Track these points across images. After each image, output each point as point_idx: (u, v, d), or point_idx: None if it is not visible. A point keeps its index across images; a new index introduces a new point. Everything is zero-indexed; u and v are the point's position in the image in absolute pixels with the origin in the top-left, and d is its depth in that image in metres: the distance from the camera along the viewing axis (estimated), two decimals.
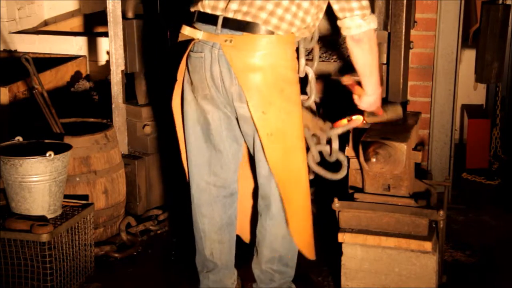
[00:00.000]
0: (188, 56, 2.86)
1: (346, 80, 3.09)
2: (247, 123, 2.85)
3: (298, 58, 2.93)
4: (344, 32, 2.84)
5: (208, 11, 2.77)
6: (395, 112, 3.17)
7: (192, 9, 2.86)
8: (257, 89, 2.73)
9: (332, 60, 4.19)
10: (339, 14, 2.82)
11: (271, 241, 3.00)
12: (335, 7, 2.81)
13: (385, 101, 3.65)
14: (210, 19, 2.77)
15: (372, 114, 3.12)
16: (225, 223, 3.10)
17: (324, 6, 2.82)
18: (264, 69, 2.72)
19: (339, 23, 2.84)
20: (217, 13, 2.75)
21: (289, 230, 2.95)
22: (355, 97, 3.05)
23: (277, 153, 2.83)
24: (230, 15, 2.72)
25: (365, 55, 2.88)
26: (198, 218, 3.10)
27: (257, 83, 2.73)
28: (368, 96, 3.00)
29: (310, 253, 3.04)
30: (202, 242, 3.12)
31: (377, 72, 2.95)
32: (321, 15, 2.85)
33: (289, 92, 2.79)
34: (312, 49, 3.90)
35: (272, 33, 2.71)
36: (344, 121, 3.12)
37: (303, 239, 2.99)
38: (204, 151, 2.99)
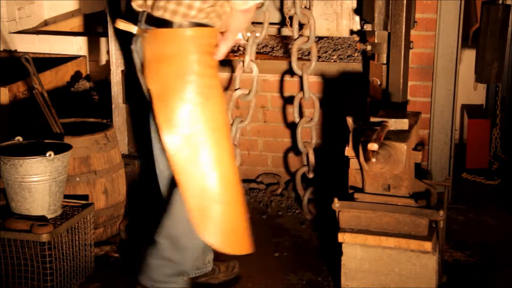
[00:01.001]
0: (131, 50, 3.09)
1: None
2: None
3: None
4: (236, 6, 2.94)
5: (137, 8, 2.99)
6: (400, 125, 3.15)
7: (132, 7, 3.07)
8: (159, 78, 2.90)
9: (332, 60, 4.20)
10: None
11: (176, 219, 3.09)
12: None
13: (386, 102, 3.66)
14: (140, 15, 2.98)
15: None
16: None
17: None
18: (167, 60, 2.88)
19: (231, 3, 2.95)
20: (142, 9, 2.97)
21: (193, 223, 3.00)
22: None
23: (177, 141, 2.90)
24: (149, 10, 2.94)
25: (242, 24, 3.04)
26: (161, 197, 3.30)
27: (160, 73, 2.90)
28: (227, 43, 3.04)
29: (225, 247, 3.04)
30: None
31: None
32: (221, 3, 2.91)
33: (199, 84, 2.88)
34: (310, 49, 3.94)
35: (177, 26, 2.86)
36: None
37: (212, 233, 2.99)
38: (158, 139, 3.13)
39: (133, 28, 2.96)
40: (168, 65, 2.88)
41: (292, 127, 4.33)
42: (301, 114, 4.08)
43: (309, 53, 4.05)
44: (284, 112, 4.31)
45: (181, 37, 2.87)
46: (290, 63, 3.98)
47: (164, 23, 2.88)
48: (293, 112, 4.07)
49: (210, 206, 2.96)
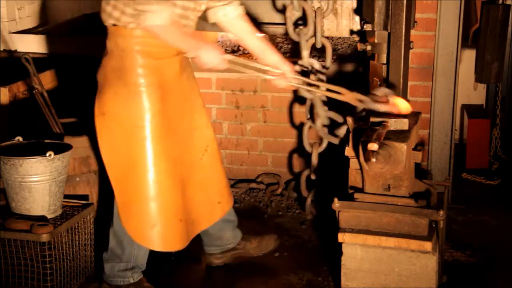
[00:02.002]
0: None
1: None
2: None
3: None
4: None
5: None
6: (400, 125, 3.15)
7: None
8: (102, 69, 3.06)
9: (332, 60, 4.19)
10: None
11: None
12: None
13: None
14: None
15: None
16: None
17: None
18: (105, 54, 3.06)
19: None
20: None
21: (118, 210, 3.10)
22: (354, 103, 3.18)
23: (108, 133, 3.04)
24: None
25: (168, 39, 3.03)
26: None
27: (102, 65, 3.07)
28: (200, 58, 3.03)
29: (142, 239, 3.10)
30: None
31: (186, 44, 3.05)
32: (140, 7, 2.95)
33: (128, 80, 2.99)
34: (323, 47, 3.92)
35: (108, 25, 3.02)
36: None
37: (132, 224, 3.08)
38: None
39: None
40: (108, 59, 3.04)
41: (292, 127, 4.33)
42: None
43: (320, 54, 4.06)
44: (290, 112, 4.31)
45: (115, 34, 3.01)
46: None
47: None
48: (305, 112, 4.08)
49: (134, 202, 3.05)
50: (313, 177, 4.04)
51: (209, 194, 3.29)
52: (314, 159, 4.03)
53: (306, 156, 4.27)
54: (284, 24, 4.01)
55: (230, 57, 3.08)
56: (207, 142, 3.27)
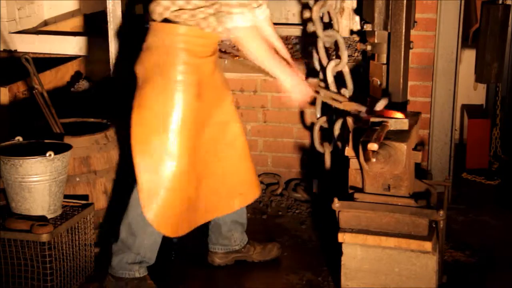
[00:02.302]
0: None
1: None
2: None
3: None
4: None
5: None
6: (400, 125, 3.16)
7: None
8: (143, 64, 3.10)
9: (352, 61, 4.18)
10: None
11: (133, 205, 3.22)
12: None
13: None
14: None
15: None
16: None
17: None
18: (146, 50, 3.10)
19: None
20: None
21: (139, 195, 3.12)
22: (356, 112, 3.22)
23: (142, 125, 3.08)
24: None
25: (250, 54, 3.11)
26: None
27: (144, 60, 3.10)
28: (283, 82, 3.12)
29: (159, 225, 3.14)
30: None
31: (280, 63, 3.13)
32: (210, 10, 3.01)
33: (170, 75, 3.03)
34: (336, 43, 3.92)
35: (156, 21, 3.06)
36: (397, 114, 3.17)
37: (157, 213, 3.11)
38: None
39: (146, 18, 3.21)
40: (150, 54, 3.07)
41: (292, 127, 4.33)
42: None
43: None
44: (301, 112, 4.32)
45: (163, 31, 3.04)
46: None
47: (149, 18, 3.11)
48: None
49: (158, 190, 3.09)
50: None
51: (229, 185, 3.35)
52: (328, 160, 4.04)
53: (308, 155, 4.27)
54: (284, 24, 4.03)
55: (321, 93, 3.08)
56: (235, 136, 3.33)
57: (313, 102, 4.08)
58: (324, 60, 3.93)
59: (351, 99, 3.49)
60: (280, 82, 3.12)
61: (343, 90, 3.88)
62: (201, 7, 2.99)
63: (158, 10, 3.03)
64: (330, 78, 3.87)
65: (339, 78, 3.95)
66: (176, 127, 3.06)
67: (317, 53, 3.97)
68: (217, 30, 3.04)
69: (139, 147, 3.10)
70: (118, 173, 3.74)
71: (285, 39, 4.47)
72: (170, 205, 3.12)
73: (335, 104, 3.35)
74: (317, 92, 3.50)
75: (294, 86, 3.13)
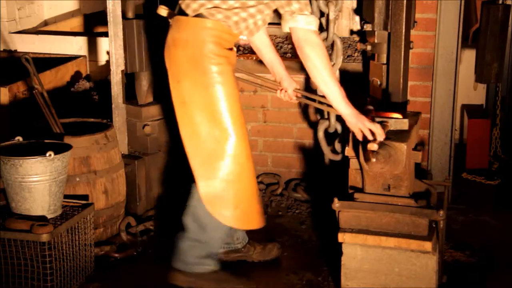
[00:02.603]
0: None
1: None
2: None
3: None
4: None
5: None
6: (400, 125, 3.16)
7: None
8: (174, 59, 3.09)
9: (352, 61, 4.18)
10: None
11: (197, 198, 3.19)
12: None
13: (386, 102, 3.66)
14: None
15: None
16: None
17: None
18: (181, 44, 3.06)
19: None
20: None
21: (200, 195, 3.11)
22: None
23: (189, 122, 3.08)
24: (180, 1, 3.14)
25: (308, 61, 3.07)
26: None
27: (175, 55, 3.08)
28: (341, 111, 3.05)
29: (225, 219, 3.13)
30: None
31: (338, 88, 3.04)
32: (245, 14, 3.04)
33: (209, 69, 3.03)
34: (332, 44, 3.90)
35: (190, 16, 3.04)
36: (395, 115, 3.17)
37: (216, 206, 3.11)
38: None
39: (168, 15, 3.17)
40: (182, 49, 3.05)
41: (292, 127, 4.33)
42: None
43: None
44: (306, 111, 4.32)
45: (194, 25, 3.03)
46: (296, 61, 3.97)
47: (181, 12, 3.09)
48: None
49: (216, 184, 3.09)
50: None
51: None
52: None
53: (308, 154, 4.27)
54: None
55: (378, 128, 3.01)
56: None
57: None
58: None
59: None
60: (332, 103, 3.05)
61: None
62: (236, 8, 3.00)
63: (193, 6, 3.02)
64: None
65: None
66: (225, 118, 3.06)
67: None
68: (243, 33, 3.08)
69: (191, 144, 3.09)
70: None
71: (285, 39, 4.47)
72: (235, 197, 3.12)
73: (327, 109, 3.33)
74: (312, 100, 3.47)
75: (348, 115, 3.03)
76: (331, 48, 3.91)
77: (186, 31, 3.05)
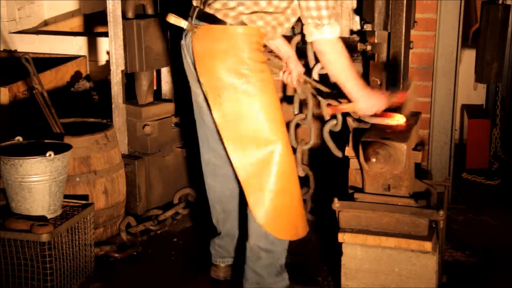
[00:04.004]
0: (180, 45, 3.12)
1: (328, 111, 3.25)
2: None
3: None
4: (306, 37, 2.95)
5: (194, 3, 3.04)
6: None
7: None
8: (212, 72, 2.93)
9: (352, 61, 4.16)
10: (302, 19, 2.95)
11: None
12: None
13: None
14: (192, 11, 3.03)
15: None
16: (228, 195, 3.29)
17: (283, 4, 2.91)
18: (219, 56, 2.91)
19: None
20: (196, 5, 3.01)
21: (250, 210, 3.02)
22: (352, 113, 3.16)
23: (234, 135, 2.97)
24: (202, 7, 2.99)
25: (330, 66, 2.97)
26: (206, 187, 3.34)
27: (212, 67, 2.93)
28: (359, 102, 3.01)
29: (278, 232, 3.06)
30: (211, 210, 3.36)
31: (352, 77, 2.97)
32: (282, 17, 2.94)
33: (250, 77, 2.91)
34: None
35: (228, 24, 2.89)
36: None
37: (267, 219, 3.02)
38: (202, 130, 3.23)
39: (183, 23, 2.99)
40: (221, 61, 2.91)
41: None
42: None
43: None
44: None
45: (233, 34, 2.90)
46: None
47: (215, 20, 2.91)
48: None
49: (263, 194, 2.99)
50: (301, 174, 3.96)
51: None
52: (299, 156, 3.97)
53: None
54: None
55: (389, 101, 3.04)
56: None
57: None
58: (312, 62, 3.85)
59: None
60: (352, 98, 3.01)
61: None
62: (274, 13, 2.90)
63: (232, 14, 2.88)
64: (315, 77, 3.76)
65: None
66: (271, 127, 2.96)
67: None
68: (275, 38, 3.04)
69: (239, 159, 2.97)
70: None
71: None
72: (287, 208, 3.04)
73: (332, 103, 3.27)
74: (318, 90, 3.42)
75: (366, 103, 3.01)
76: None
77: (225, 41, 2.90)
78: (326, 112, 3.32)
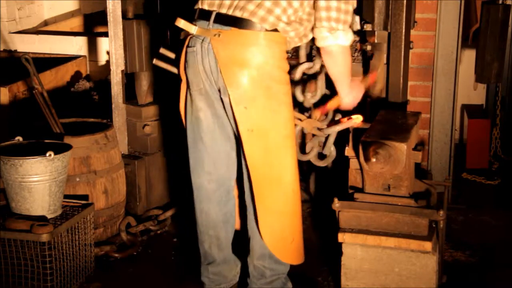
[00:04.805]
0: (186, 51, 2.93)
1: (316, 113, 3.30)
2: (231, 117, 2.89)
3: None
4: (317, 42, 2.91)
5: (206, 7, 2.86)
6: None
7: (195, 7, 2.94)
8: (240, 83, 2.77)
9: (352, 61, 4.16)
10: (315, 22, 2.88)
11: (260, 238, 3.01)
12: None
13: (386, 102, 3.66)
14: (205, 15, 2.85)
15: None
16: (221, 220, 3.15)
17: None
18: (248, 64, 2.76)
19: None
20: (213, 9, 2.83)
21: (258, 228, 2.95)
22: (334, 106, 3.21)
23: (257, 150, 2.85)
24: (223, 10, 2.80)
25: (334, 67, 2.96)
26: (197, 213, 3.16)
27: (241, 77, 2.77)
28: (344, 97, 3.09)
29: (283, 256, 3.02)
30: (201, 236, 3.19)
31: (348, 78, 3.02)
32: (310, 26, 2.88)
33: (276, 90, 2.81)
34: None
35: (262, 30, 2.75)
36: (344, 119, 3.19)
37: (274, 241, 2.98)
38: (197, 149, 3.05)
39: (193, 28, 2.86)
40: (251, 70, 2.76)
41: None
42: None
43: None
44: None
45: (263, 40, 2.76)
46: None
47: (247, 25, 2.76)
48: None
49: (274, 215, 2.94)
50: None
51: None
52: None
53: None
54: None
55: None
56: None
57: None
58: (302, 59, 3.81)
59: (316, 105, 3.42)
60: (340, 94, 3.05)
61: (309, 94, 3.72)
62: (308, 21, 2.82)
63: (271, 19, 2.74)
64: (297, 76, 3.72)
65: None
66: (289, 142, 2.89)
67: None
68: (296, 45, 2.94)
69: (259, 181, 2.88)
70: None
71: None
72: (291, 230, 2.99)
73: (296, 122, 3.26)
74: None
75: (350, 98, 3.07)
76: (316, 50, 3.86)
77: (256, 48, 2.74)
78: (315, 115, 3.31)
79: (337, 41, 2.85)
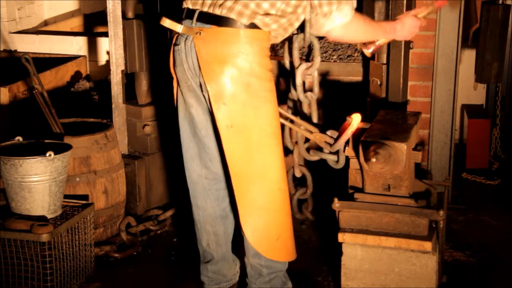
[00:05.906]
0: (173, 50, 2.96)
1: (367, 50, 3.17)
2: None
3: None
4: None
5: (190, 6, 2.89)
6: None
7: (183, 6, 2.96)
8: (218, 79, 2.77)
9: (332, 60, 4.19)
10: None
11: None
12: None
13: (386, 102, 3.66)
14: (190, 14, 2.87)
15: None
16: (218, 216, 3.14)
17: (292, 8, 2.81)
18: (228, 61, 2.76)
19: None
20: (196, 7, 2.85)
21: (241, 226, 2.92)
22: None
23: (237, 146, 2.84)
24: (205, 9, 2.82)
25: (354, 40, 3.03)
26: (194, 209, 3.16)
27: (219, 74, 2.77)
28: (396, 35, 3.07)
29: (268, 253, 2.98)
30: (199, 233, 3.19)
31: (376, 30, 3.00)
32: (294, 18, 2.83)
33: (257, 87, 2.80)
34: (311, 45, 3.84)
35: (242, 27, 2.75)
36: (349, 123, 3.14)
37: (258, 237, 2.94)
38: (193, 145, 3.05)
39: (179, 27, 2.85)
40: (230, 66, 2.76)
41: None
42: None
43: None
44: None
45: (244, 37, 2.76)
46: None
47: (227, 22, 2.76)
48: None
49: (257, 212, 2.91)
50: (297, 174, 3.93)
51: None
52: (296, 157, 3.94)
53: None
54: None
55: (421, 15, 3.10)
56: None
57: None
58: (297, 62, 3.78)
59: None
60: (390, 37, 3.07)
61: (309, 94, 3.71)
62: (292, 14, 2.78)
63: (246, 12, 2.73)
64: (298, 80, 3.71)
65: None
66: (273, 139, 2.86)
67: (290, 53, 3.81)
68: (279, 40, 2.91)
69: (242, 171, 2.85)
70: None
71: None
72: (277, 227, 2.94)
73: (306, 135, 3.23)
74: (291, 121, 3.27)
75: (402, 33, 3.05)
76: (308, 48, 3.84)
77: (236, 44, 2.74)
78: (367, 52, 3.17)
79: (335, 24, 2.82)
